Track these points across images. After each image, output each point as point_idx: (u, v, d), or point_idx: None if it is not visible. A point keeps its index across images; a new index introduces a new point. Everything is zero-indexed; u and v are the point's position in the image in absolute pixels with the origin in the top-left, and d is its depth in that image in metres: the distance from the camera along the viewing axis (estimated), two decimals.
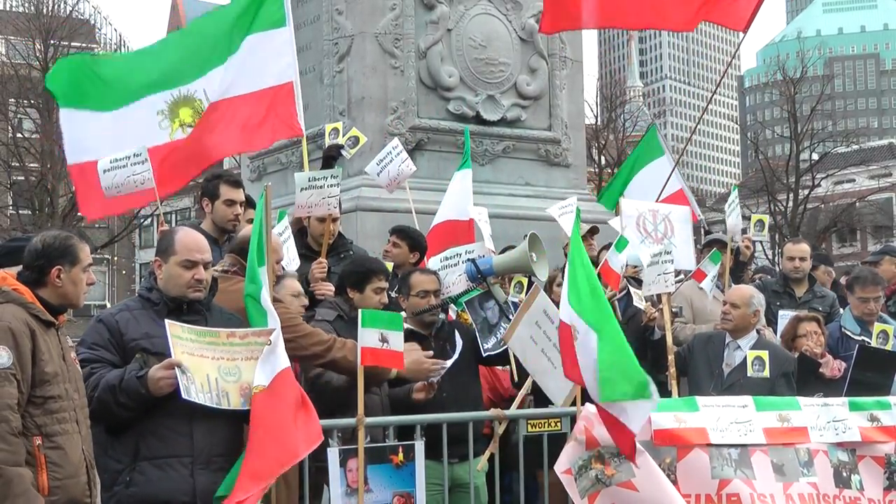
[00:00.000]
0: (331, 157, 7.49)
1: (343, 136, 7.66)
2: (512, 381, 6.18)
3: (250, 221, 6.63)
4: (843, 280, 8.28)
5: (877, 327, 6.65)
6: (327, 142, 7.61)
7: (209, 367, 4.06)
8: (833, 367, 6.29)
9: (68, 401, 3.87)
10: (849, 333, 6.85)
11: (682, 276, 7.47)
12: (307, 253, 6.68)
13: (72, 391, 3.91)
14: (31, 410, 3.76)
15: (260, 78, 6.94)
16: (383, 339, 4.64)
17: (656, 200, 8.58)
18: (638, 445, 4.75)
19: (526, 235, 6.12)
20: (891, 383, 6.14)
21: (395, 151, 7.78)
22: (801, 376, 6.18)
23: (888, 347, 6.47)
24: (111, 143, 7.09)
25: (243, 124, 6.95)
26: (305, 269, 6.34)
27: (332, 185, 6.59)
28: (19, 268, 4.10)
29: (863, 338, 6.73)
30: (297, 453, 4.23)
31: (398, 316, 4.77)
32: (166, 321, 4.08)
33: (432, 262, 6.55)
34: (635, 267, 7.03)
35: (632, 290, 6.67)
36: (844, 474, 5.14)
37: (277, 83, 6.92)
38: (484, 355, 5.84)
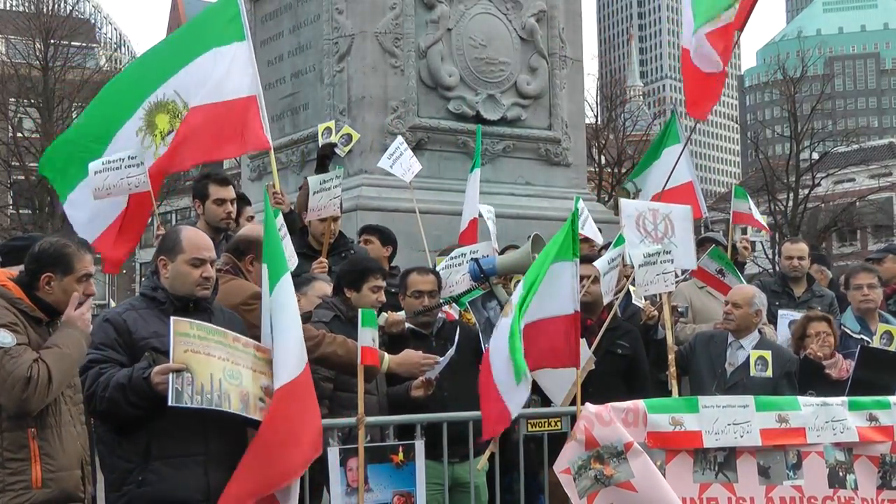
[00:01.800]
0: (325, 157, 7.52)
1: (336, 134, 7.69)
2: None
3: (250, 219, 6.66)
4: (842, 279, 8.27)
5: (880, 328, 6.63)
6: (320, 141, 7.63)
7: (215, 366, 4.01)
8: (842, 367, 6.26)
9: (60, 395, 3.90)
10: (848, 331, 6.84)
11: (685, 275, 7.47)
12: (308, 252, 6.69)
13: (65, 387, 3.92)
14: None
15: (224, 89, 6.88)
16: (374, 339, 4.66)
17: (663, 187, 8.57)
18: (636, 446, 4.76)
19: (529, 236, 6.12)
20: (895, 384, 6.11)
21: (402, 147, 7.86)
22: (804, 378, 6.17)
23: (892, 348, 6.45)
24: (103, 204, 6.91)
25: (213, 134, 6.90)
26: (306, 269, 6.35)
27: (336, 186, 6.65)
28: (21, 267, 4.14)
29: (862, 336, 6.72)
30: (294, 470, 4.22)
31: (372, 312, 4.76)
32: (172, 318, 4.03)
33: (441, 265, 6.59)
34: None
35: (631, 288, 6.66)
36: (840, 474, 5.14)
37: (242, 95, 6.86)
38: None
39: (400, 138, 8.15)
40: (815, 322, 6.48)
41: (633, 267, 6.78)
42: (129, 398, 3.98)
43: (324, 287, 5.55)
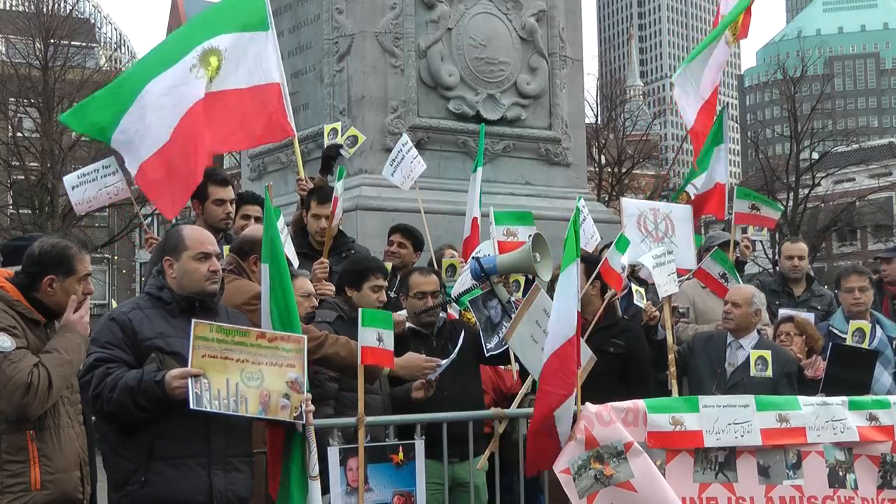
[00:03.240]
0: (330, 158, 7.50)
1: (342, 135, 7.67)
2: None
3: (244, 217, 6.66)
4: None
5: (852, 325, 6.60)
6: (326, 142, 7.63)
7: (232, 369, 4.01)
8: (818, 367, 6.28)
9: (58, 397, 3.89)
10: (835, 332, 6.84)
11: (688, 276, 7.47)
12: (309, 252, 6.68)
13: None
14: None
15: (250, 75, 6.85)
16: (379, 339, 4.65)
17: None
18: (636, 446, 4.76)
19: (530, 235, 6.11)
20: (869, 381, 6.10)
21: (405, 148, 7.82)
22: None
23: (864, 345, 6.45)
24: (156, 119, 6.54)
25: (239, 121, 6.86)
26: (307, 269, 6.35)
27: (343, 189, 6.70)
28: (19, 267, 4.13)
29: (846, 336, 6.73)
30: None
31: (389, 315, 4.77)
32: (193, 321, 4.03)
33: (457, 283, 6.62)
34: (633, 266, 7.01)
35: (633, 287, 6.65)
36: (840, 474, 5.15)
37: (266, 82, 6.85)
38: (487, 355, 5.83)
39: (404, 137, 8.07)
40: (782, 324, 6.55)
41: (633, 266, 6.79)
42: (137, 401, 3.97)
43: (304, 284, 5.52)
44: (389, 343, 4.70)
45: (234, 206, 6.47)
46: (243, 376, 4.03)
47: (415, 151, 7.82)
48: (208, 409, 3.94)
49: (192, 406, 3.89)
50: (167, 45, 7.35)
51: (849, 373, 6.03)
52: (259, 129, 6.88)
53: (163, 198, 6.58)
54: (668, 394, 5.74)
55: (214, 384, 3.96)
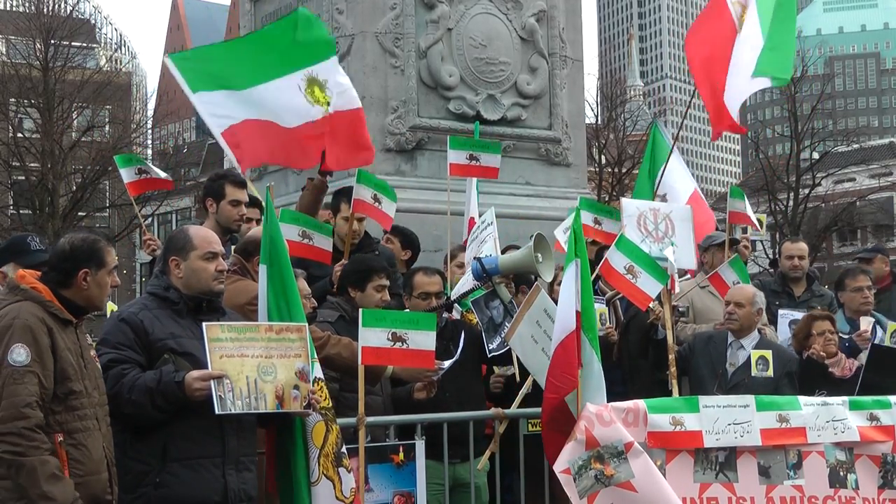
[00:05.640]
0: None
1: None
2: (514, 380, 6.18)
3: (249, 220, 6.66)
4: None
5: (890, 326, 6.62)
6: None
7: (249, 366, 4.04)
8: (845, 366, 6.25)
9: (87, 398, 3.88)
10: (839, 334, 6.83)
11: (687, 276, 7.47)
12: (332, 253, 6.67)
13: (91, 388, 3.91)
14: (53, 407, 3.78)
15: (338, 100, 6.83)
16: (397, 339, 4.64)
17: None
18: (637, 446, 4.76)
19: (532, 236, 6.11)
20: None
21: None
22: (809, 378, 6.15)
23: None
24: (257, 111, 6.61)
25: (338, 142, 6.83)
26: (329, 269, 6.35)
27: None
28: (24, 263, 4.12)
29: (850, 336, 6.72)
30: None
31: (432, 317, 4.79)
32: (204, 324, 4.05)
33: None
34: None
35: None
36: (841, 474, 5.15)
37: (349, 108, 6.75)
38: (489, 356, 5.83)
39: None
40: (819, 321, 6.48)
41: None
42: (156, 402, 3.97)
43: (301, 285, 5.53)
44: (430, 343, 4.71)
45: (246, 208, 6.46)
46: (260, 372, 4.06)
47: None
48: (233, 411, 3.96)
49: (217, 412, 3.91)
50: (263, 48, 6.95)
51: (886, 376, 5.97)
52: (346, 154, 6.82)
53: (247, 153, 6.58)
54: (669, 394, 5.75)
55: (236, 384, 3.98)
